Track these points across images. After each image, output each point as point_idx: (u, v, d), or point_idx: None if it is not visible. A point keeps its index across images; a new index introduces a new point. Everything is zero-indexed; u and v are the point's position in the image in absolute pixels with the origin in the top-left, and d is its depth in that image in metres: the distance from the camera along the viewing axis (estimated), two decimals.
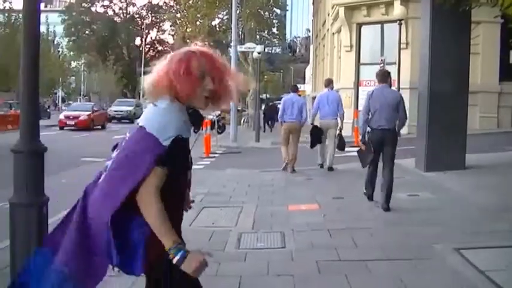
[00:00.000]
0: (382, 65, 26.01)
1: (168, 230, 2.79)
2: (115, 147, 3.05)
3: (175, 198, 2.99)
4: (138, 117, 3.00)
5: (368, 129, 9.60)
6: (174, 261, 2.77)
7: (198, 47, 3.09)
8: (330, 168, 14.53)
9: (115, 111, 52.02)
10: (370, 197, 10.01)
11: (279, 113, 15.07)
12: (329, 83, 15.48)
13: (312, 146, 14.84)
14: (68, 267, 2.91)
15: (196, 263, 2.77)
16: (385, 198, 9.25)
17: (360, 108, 22.61)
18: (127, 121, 48.79)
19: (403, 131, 21.62)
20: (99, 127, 40.07)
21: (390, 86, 10.18)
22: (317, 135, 14.55)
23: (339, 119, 14.68)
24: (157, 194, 2.78)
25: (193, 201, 3.52)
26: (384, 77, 9.86)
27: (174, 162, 2.84)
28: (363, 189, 10.24)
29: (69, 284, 2.90)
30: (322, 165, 14.97)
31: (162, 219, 2.78)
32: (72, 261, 2.91)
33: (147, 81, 2.96)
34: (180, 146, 2.87)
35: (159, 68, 2.95)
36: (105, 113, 44.60)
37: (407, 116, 9.93)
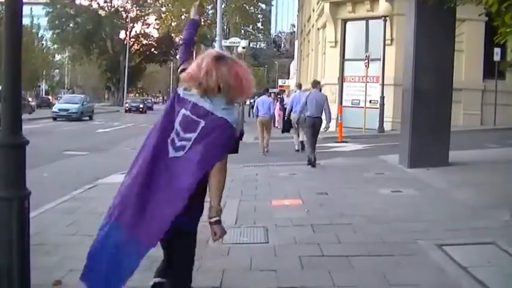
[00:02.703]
0: (366, 61, 26.11)
1: (221, 198, 3.86)
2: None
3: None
4: None
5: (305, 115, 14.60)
6: (213, 220, 3.84)
7: (235, 59, 3.99)
8: (297, 150, 18.74)
9: None
10: (314, 164, 14.38)
11: (254, 109, 20.45)
12: (300, 87, 20.95)
13: (283, 131, 19.90)
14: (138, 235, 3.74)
15: (221, 230, 3.86)
16: (311, 161, 14.37)
17: (344, 103, 24.53)
18: None
19: (387, 127, 23.19)
20: None
21: (320, 90, 15.33)
22: (288, 125, 18.97)
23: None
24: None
25: None
26: (315, 84, 15.30)
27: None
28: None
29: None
30: (298, 151, 18.68)
31: (222, 189, 3.85)
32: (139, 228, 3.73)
33: (191, 73, 3.79)
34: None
35: (203, 65, 3.74)
36: None
37: (332, 112, 15.24)
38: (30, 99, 58.88)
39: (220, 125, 3.68)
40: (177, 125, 3.77)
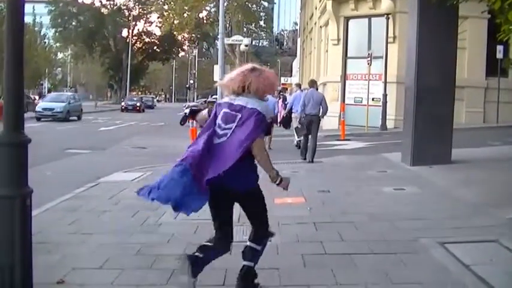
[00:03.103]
0: (369, 58, 26.08)
1: (271, 165, 5.07)
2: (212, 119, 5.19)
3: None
4: None
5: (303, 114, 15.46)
6: (276, 184, 5.12)
7: (264, 68, 5.44)
8: (297, 146, 18.92)
9: None
10: (304, 157, 15.46)
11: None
12: (300, 86, 22.57)
13: (280, 124, 19.34)
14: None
15: (286, 182, 5.18)
16: (310, 156, 15.16)
17: (347, 101, 24.73)
18: None
19: (389, 125, 23.45)
20: None
21: (317, 89, 16.44)
22: (287, 121, 18.24)
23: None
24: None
25: None
26: (312, 84, 16.43)
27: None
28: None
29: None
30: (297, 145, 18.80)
31: (269, 159, 5.06)
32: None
33: (234, 83, 5.21)
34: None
35: (242, 75, 5.20)
36: None
37: (328, 107, 15.92)
38: (36, 97, 58.72)
39: (252, 113, 4.99)
40: (219, 121, 5.10)
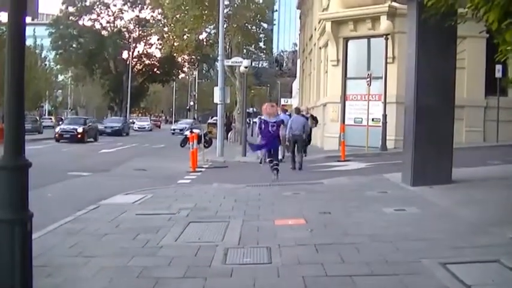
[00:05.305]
0: (368, 79, 26.14)
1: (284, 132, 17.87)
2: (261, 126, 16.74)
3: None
4: None
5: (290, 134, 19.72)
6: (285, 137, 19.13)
7: (271, 104, 18.55)
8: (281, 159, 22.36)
9: None
10: (293, 167, 19.84)
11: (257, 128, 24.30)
12: (286, 111, 27.38)
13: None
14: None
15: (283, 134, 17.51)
16: (299, 166, 19.87)
17: (347, 122, 25.27)
18: None
19: (389, 145, 24.10)
20: None
21: (299, 114, 21.33)
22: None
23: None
24: None
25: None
26: (297, 110, 22.01)
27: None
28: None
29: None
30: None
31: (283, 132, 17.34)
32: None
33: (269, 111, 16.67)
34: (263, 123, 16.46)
35: (270, 108, 16.89)
36: None
37: (310, 131, 22.43)
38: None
39: (278, 123, 16.15)
40: (271, 125, 15.80)
